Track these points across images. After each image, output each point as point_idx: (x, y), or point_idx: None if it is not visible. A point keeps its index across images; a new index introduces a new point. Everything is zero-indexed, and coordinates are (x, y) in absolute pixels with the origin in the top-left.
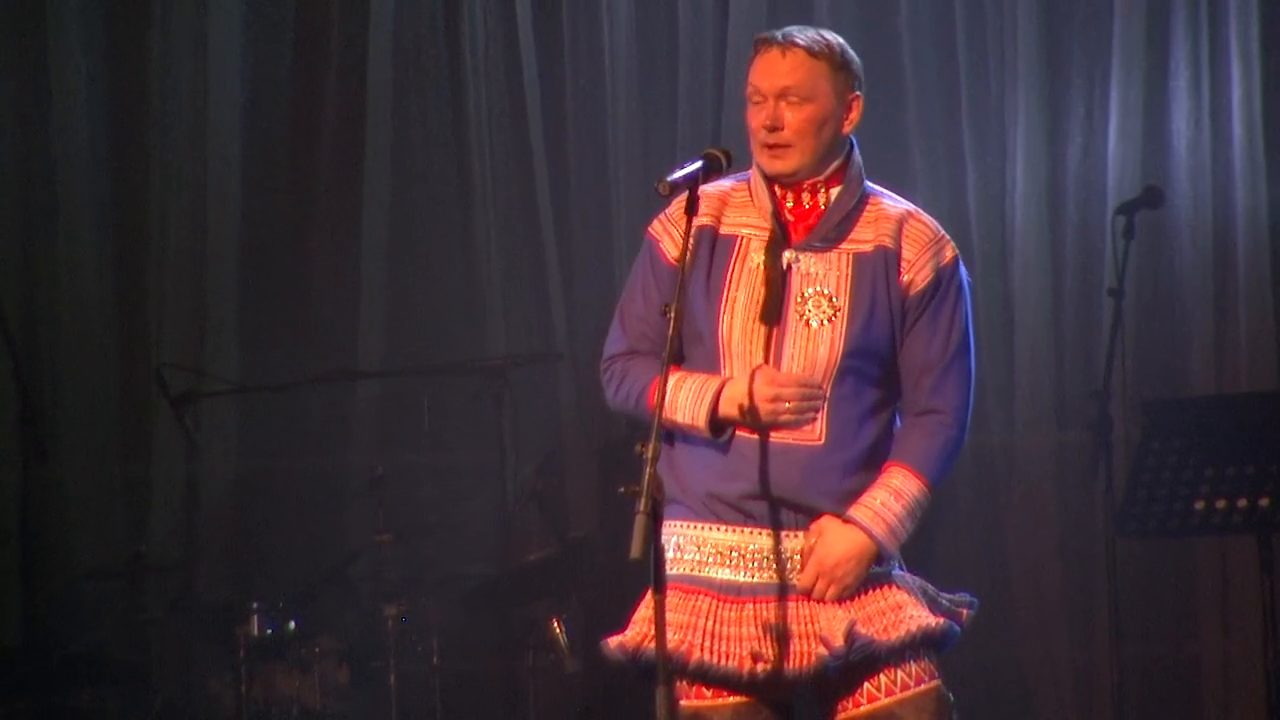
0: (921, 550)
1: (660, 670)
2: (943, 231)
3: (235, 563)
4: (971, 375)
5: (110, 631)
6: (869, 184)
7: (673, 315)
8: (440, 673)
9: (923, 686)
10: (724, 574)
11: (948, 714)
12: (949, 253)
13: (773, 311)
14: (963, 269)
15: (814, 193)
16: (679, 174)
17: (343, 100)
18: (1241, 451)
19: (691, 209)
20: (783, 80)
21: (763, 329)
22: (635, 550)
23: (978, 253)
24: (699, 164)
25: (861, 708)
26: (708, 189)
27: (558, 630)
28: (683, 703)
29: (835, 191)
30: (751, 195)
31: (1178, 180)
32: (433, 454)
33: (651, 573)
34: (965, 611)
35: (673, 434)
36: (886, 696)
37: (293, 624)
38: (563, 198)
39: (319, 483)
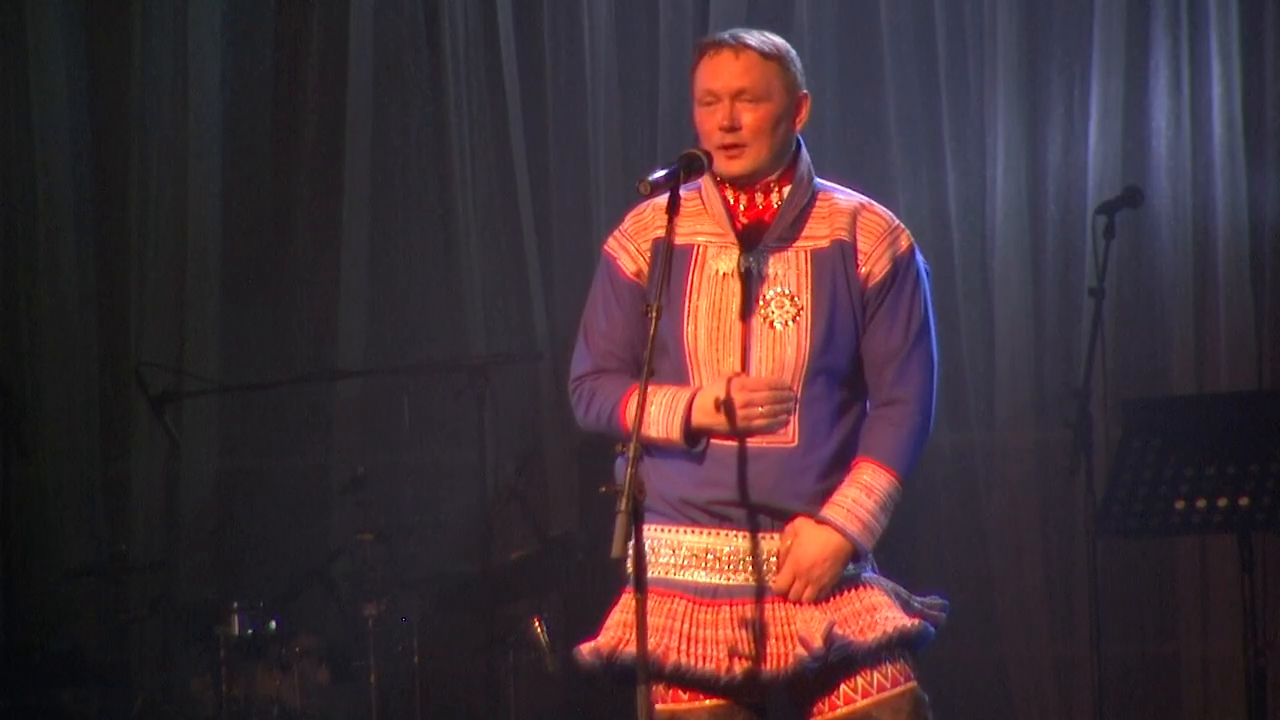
0: (902, 548)
1: (640, 671)
2: (897, 221)
3: (216, 562)
4: (934, 361)
5: (91, 631)
6: (819, 180)
7: (654, 314)
8: (421, 672)
9: (899, 688)
10: (699, 576)
11: (924, 715)
12: (904, 241)
13: (737, 316)
14: (919, 257)
15: (766, 193)
16: (660, 173)
17: (323, 100)
18: (1221, 451)
19: (673, 208)
20: (738, 81)
21: (728, 335)
22: (616, 549)
23: (958, 252)
24: (680, 164)
25: (838, 710)
26: (658, 202)
27: (538, 629)
28: (658, 706)
29: (787, 190)
30: (703, 202)
31: (1158, 179)
32: (413, 453)
33: (632, 572)
34: (937, 614)
35: (647, 449)
36: (863, 698)
37: (273, 623)
38: (543, 197)
39: (300, 482)
